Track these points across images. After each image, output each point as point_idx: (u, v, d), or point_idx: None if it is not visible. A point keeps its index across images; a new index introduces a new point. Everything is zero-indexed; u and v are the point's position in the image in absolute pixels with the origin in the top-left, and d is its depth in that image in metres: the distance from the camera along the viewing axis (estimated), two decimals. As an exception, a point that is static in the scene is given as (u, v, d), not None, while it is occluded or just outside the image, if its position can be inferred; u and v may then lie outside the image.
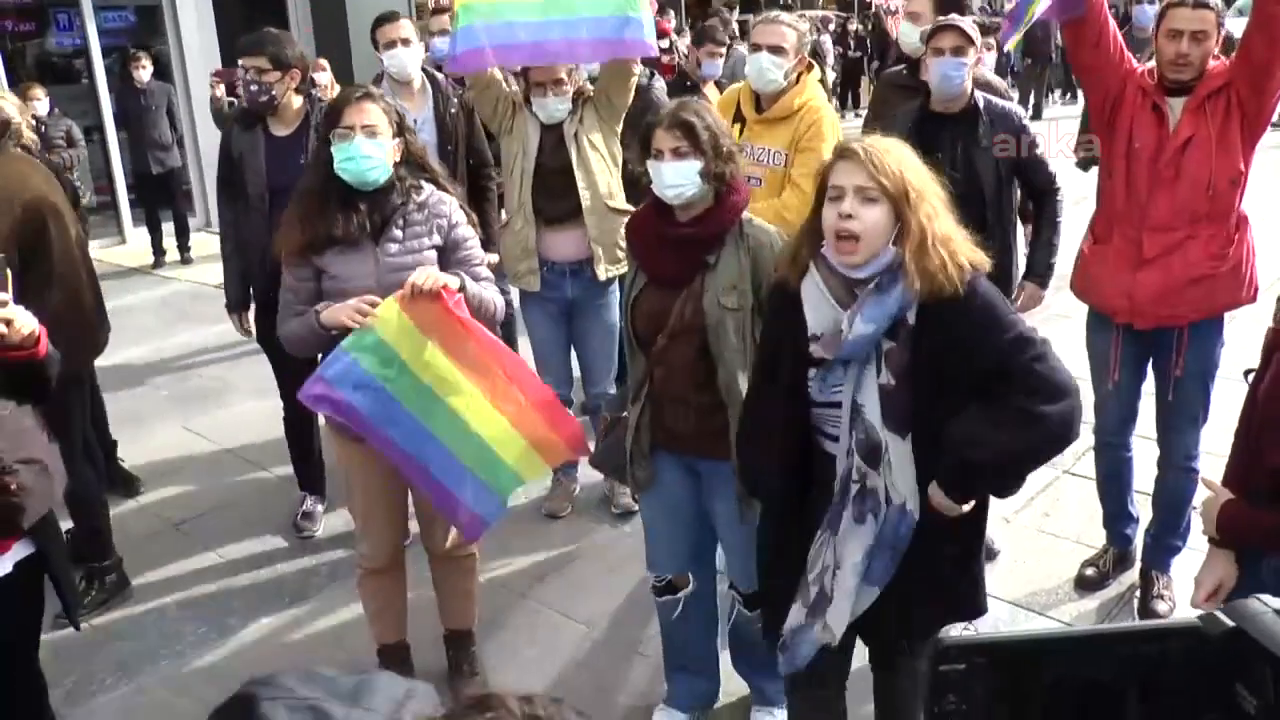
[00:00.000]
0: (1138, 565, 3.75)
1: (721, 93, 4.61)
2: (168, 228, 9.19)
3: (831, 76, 14.95)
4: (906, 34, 4.41)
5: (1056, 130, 5.08)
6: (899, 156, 2.21)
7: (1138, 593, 3.69)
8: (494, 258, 4.03)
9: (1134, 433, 3.66)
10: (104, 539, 3.98)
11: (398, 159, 2.96)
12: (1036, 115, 14.02)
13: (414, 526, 3.32)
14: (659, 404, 2.79)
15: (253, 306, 4.26)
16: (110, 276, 8.08)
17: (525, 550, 4.19)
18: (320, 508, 4.47)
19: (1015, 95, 6.79)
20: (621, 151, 4.15)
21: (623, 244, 4.08)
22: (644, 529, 3.02)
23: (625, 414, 2.90)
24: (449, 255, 3.01)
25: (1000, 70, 8.14)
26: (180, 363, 6.70)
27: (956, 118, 3.60)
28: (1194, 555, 2.75)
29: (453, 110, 4.45)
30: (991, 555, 3.81)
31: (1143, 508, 3.75)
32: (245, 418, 5.64)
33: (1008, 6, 3.26)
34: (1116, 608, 3.69)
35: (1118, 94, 3.27)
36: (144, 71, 8.73)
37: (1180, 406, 3.42)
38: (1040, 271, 3.73)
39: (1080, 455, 4.46)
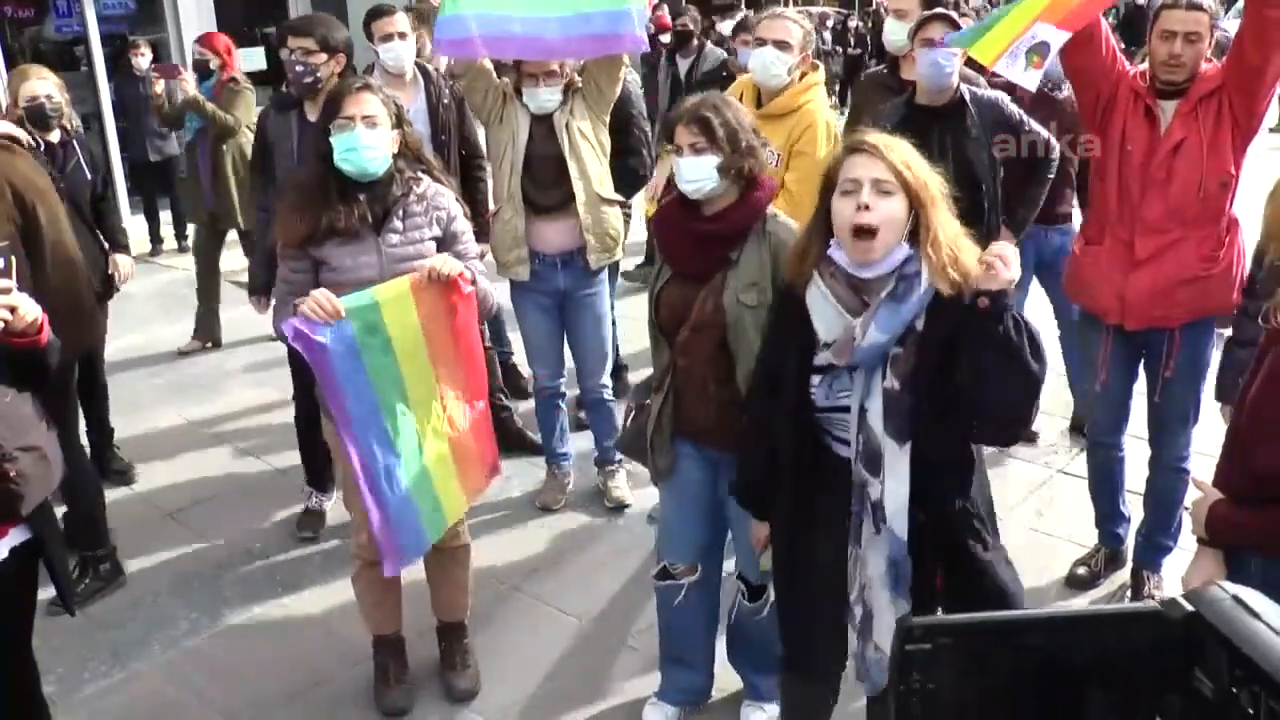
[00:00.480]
0: (1129, 565, 3.76)
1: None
2: (165, 216, 9.17)
3: (834, 70, 14.88)
4: (893, 32, 4.40)
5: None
6: (906, 152, 2.22)
7: (1129, 592, 3.70)
8: (485, 248, 4.04)
9: (1126, 433, 3.68)
10: (100, 527, 3.99)
11: (396, 150, 2.96)
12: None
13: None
14: (681, 394, 2.80)
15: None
16: (107, 264, 8.05)
17: (518, 543, 4.21)
18: (327, 505, 4.40)
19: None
20: (610, 141, 4.16)
21: (613, 233, 4.13)
22: (661, 517, 3.06)
23: (649, 401, 2.91)
24: (446, 247, 3.01)
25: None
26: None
27: (943, 110, 3.61)
28: (1185, 555, 2.76)
29: (445, 101, 4.45)
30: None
31: (1135, 507, 3.77)
32: (241, 407, 5.66)
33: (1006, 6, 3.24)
34: (1106, 606, 3.71)
35: (1110, 96, 3.28)
36: (143, 59, 8.69)
37: (1171, 407, 3.44)
38: (1019, 221, 3.96)
39: (1073, 455, 4.48)
